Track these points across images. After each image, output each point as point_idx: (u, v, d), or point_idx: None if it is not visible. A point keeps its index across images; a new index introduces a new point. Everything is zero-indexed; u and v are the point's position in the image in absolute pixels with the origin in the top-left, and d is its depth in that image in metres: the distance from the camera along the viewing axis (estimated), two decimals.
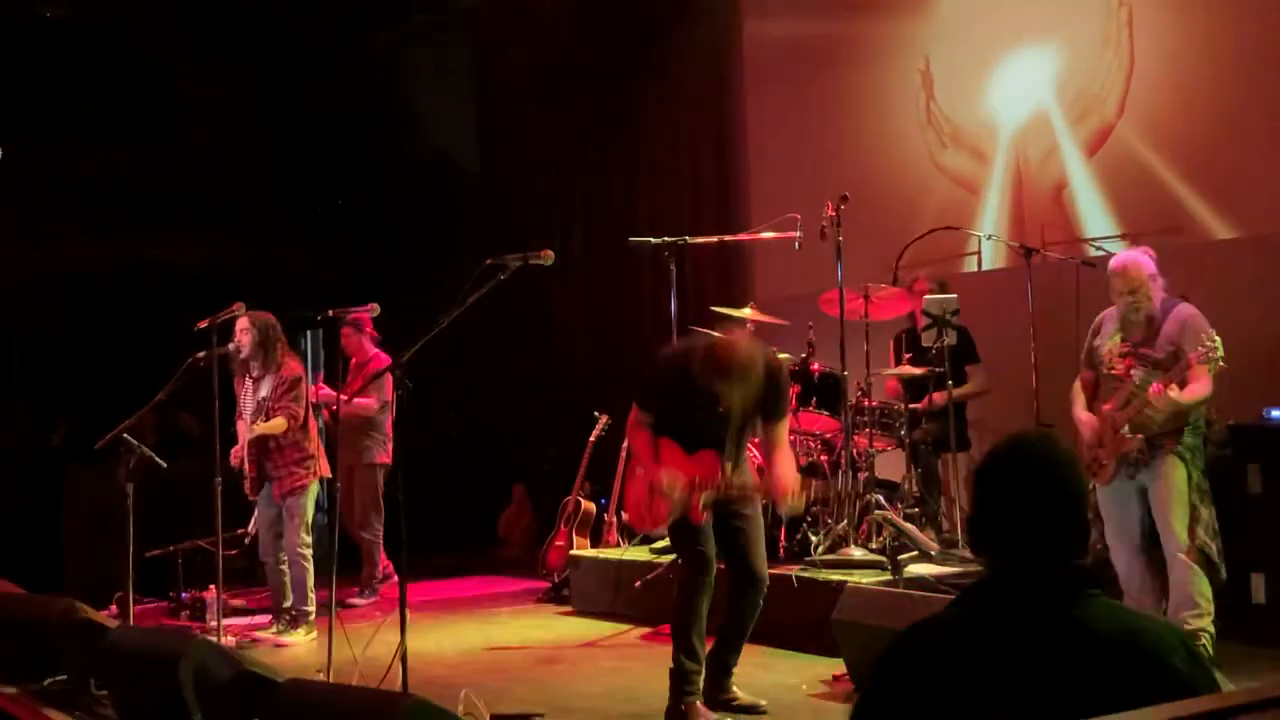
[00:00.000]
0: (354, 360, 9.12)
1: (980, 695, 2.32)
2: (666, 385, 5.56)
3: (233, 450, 7.63)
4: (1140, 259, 5.98)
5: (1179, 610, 5.83)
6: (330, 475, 7.88)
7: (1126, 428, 5.86)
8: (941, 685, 2.37)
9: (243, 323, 7.60)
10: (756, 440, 5.97)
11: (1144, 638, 2.33)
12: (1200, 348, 5.62)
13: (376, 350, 9.07)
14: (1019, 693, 2.30)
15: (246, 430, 7.63)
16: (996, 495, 2.48)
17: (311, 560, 7.75)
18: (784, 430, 5.63)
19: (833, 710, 5.54)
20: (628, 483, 5.79)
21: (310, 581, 7.75)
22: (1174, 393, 5.68)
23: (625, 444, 8.75)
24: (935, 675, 2.39)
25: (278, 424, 7.53)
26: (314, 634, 7.72)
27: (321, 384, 8.86)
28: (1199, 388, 5.70)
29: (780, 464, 5.52)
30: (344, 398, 7.93)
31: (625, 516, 5.76)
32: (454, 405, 11.61)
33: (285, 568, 7.74)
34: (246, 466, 7.62)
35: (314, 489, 7.77)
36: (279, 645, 7.56)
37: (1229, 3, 7.56)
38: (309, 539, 7.75)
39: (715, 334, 5.74)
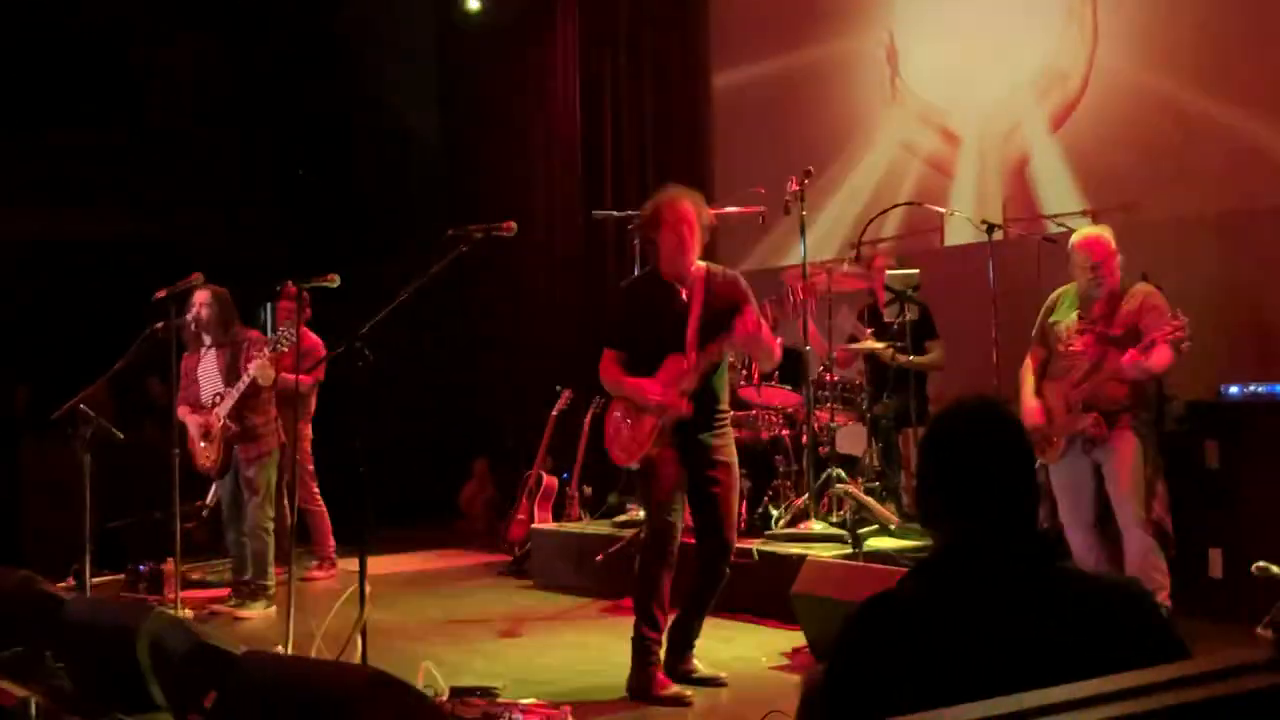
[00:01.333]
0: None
1: (964, 668, 2.25)
2: (626, 312, 5.64)
3: (189, 430, 7.54)
4: (1103, 235, 6.02)
5: None
6: (286, 441, 7.83)
7: (1080, 405, 5.90)
8: (917, 661, 2.28)
9: (202, 296, 7.53)
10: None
11: (1121, 593, 2.31)
12: (1168, 326, 5.64)
13: (305, 329, 8.82)
14: (1006, 662, 2.22)
15: (198, 418, 7.55)
16: (954, 462, 2.40)
17: (273, 534, 7.71)
18: (750, 313, 5.43)
19: (792, 683, 5.57)
20: (607, 428, 5.71)
21: (271, 556, 7.71)
22: (1145, 360, 5.71)
23: (588, 416, 8.76)
24: (908, 651, 2.30)
25: (264, 367, 7.37)
26: (273, 607, 7.69)
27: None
28: (1162, 355, 5.73)
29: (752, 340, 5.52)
30: (302, 378, 7.80)
31: (612, 457, 5.68)
32: (414, 380, 11.56)
33: (246, 540, 7.70)
34: (208, 445, 7.54)
35: (275, 456, 7.72)
36: (236, 618, 7.53)
37: None
38: (272, 512, 7.70)
39: None
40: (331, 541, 9.11)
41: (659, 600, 5.44)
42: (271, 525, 7.71)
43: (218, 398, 7.56)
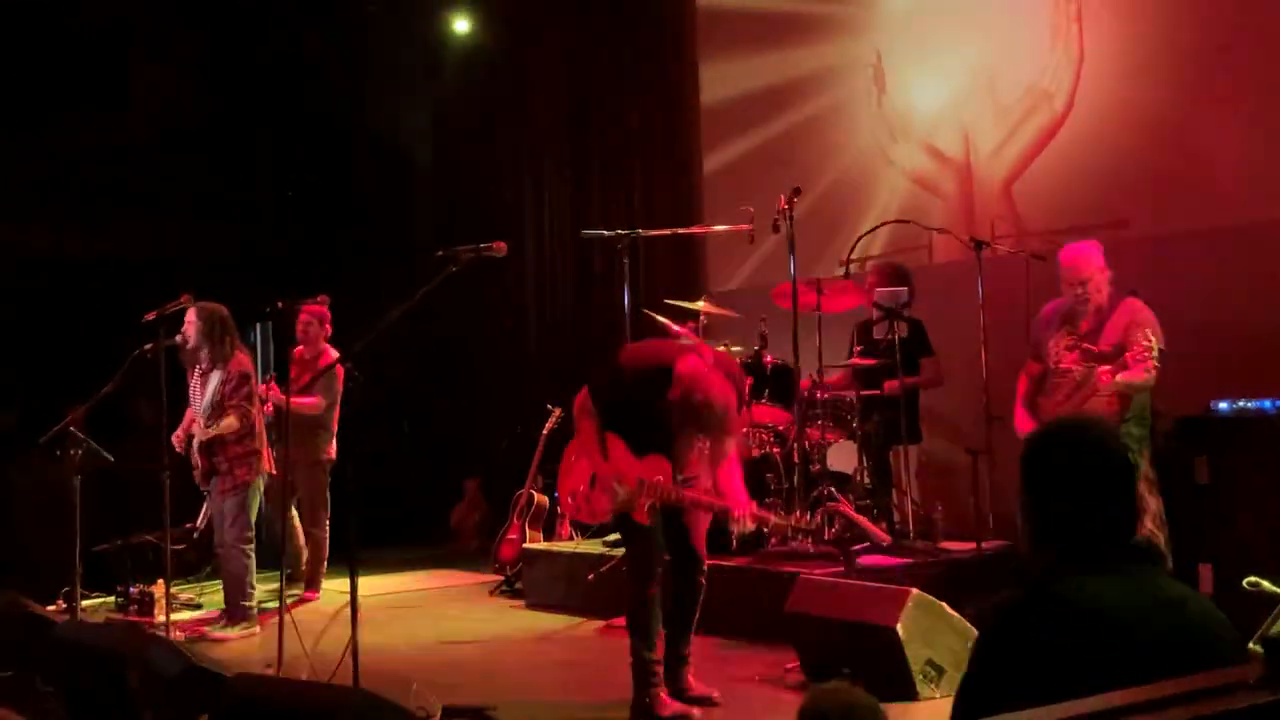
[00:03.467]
0: (303, 352, 8.83)
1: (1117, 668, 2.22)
2: (625, 394, 5.51)
3: (175, 434, 7.54)
4: (1091, 250, 6.04)
5: None
6: (274, 471, 7.81)
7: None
8: (1077, 663, 2.26)
9: (190, 314, 7.53)
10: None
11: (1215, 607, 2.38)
12: (1139, 345, 5.65)
13: (327, 345, 8.84)
14: (1137, 670, 2.14)
15: (197, 421, 7.55)
16: (1068, 483, 2.46)
17: (252, 556, 7.67)
18: (733, 445, 5.60)
19: (785, 701, 5.56)
20: (564, 468, 5.71)
21: (249, 578, 7.67)
22: (1121, 376, 5.72)
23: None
24: (1068, 655, 2.26)
25: (229, 423, 7.46)
26: (255, 628, 7.65)
27: (274, 385, 8.50)
28: (1135, 373, 5.75)
29: (730, 479, 5.50)
30: (295, 399, 7.82)
31: (559, 500, 5.66)
32: (406, 399, 11.55)
33: (229, 557, 7.67)
34: (196, 459, 7.55)
35: (258, 484, 7.70)
36: (214, 640, 7.48)
37: (1176, 1, 7.62)
38: (250, 535, 7.66)
39: (683, 351, 5.55)
40: (322, 568, 9.01)
41: (655, 621, 5.42)
42: (250, 547, 7.66)
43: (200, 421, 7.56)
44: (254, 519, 7.69)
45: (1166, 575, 2.42)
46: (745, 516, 5.37)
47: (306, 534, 8.95)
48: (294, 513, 8.64)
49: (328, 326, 8.74)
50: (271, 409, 8.30)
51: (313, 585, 8.97)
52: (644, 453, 5.43)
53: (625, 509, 5.41)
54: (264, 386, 8.20)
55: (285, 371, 8.75)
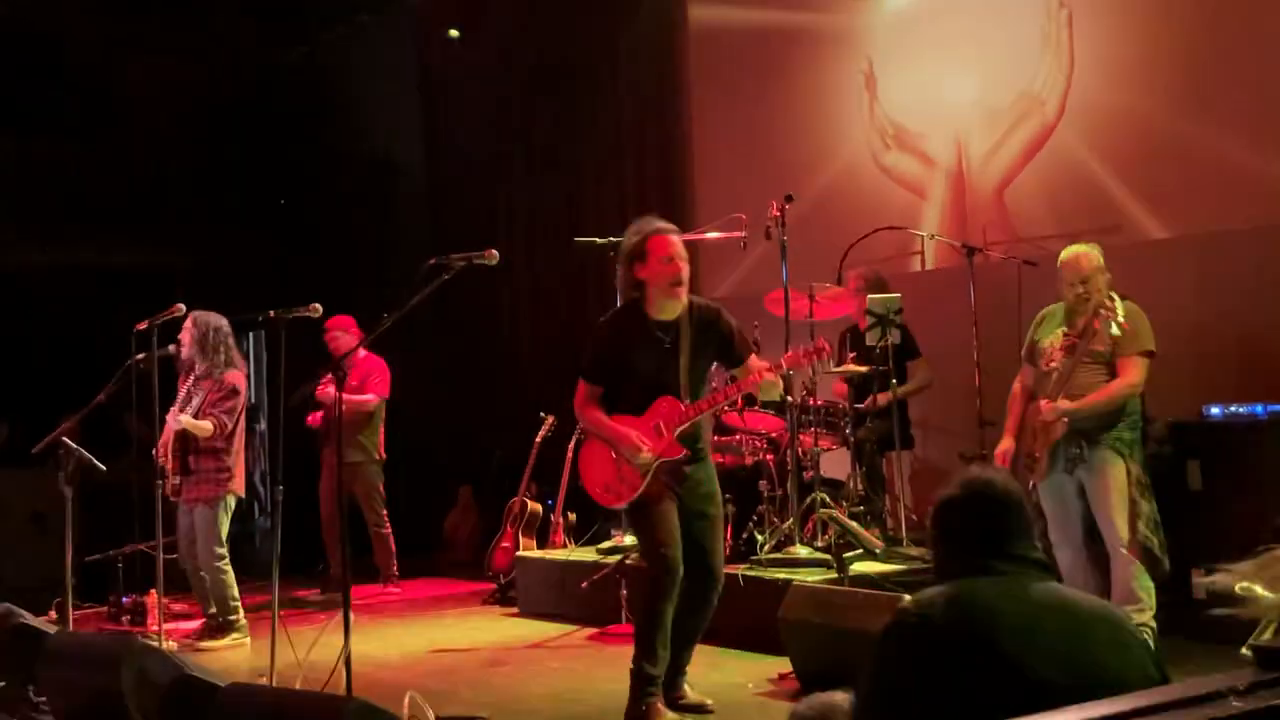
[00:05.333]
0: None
1: (979, 676, 2.48)
2: (609, 350, 5.56)
3: (159, 443, 7.55)
4: (1089, 252, 6.05)
5: (1121, 605, 5.87)
6: (242, 495, 7.86)
7: (1041, 415, 5.93)
8: (940, 670, 2.54)
9: (188, 322, 7.54)
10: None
11: (1111, 609, 2.67)
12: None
13: (367, 351, 9.21)
14: (1012, 667, 2.44)
15: (172, 422, 7.55)
16: (959, 532, 2.81)
17: (229, 569, 7.68)
18: (751, 359, 5.62)
19: (778, 708, 5.55)
20: (585, 465, 5.70)
21: (230, 591, 7.68)
22: (1064, 404, 5.79)
23: (573, 443, 8.75)
24: (932, 661, 2.57)
25: (204, 426, 7.45)
26: (246, 638, 7.65)
27: (327, 384, 8.98)
28: (1121, 381, 5.78)
29: (759, 367, 5.55)
30: (350, 397, 8.63)
31: (595, 497, 5.66)
32: (398, 408, 11.54)
33: (205, 575, 7.67)
34: (169, 463, 7.52)
35: (228, 502, 7.68)
36: (205, 650, 7.47)
37: (1167, 6, 7.64)
38: (222, 550, 7.67)
39: None
40: (394, 561, 9.62)
41: (664, 637, 5.40)
42: (225, 563, 7.67)
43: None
44: (225, 535, 7.69)
45: (1052, 582, 2.73)
46: (772, 373, 5.44)
47: (371, 533, 9.49)
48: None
49: (357, 332, 9.14)
50: (319, 417, 9.22)
51: (390, 579, 9.54)
52: (648, 403, 5.46)
53: (653, 463, 5.39)
54: (320, 386, 9.02)
55: (275, 378, 8.83)
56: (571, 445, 8.86)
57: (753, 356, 5.67)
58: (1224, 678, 1.68)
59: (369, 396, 9.32)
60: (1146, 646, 2.61)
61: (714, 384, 6.22)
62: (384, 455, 9.57)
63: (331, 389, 8.57)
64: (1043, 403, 5.93)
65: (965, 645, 2.52)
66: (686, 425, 5.42)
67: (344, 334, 9.19)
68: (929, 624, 2.59)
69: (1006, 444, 6.19)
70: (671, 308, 5.51)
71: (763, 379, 5.48)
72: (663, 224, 5.66)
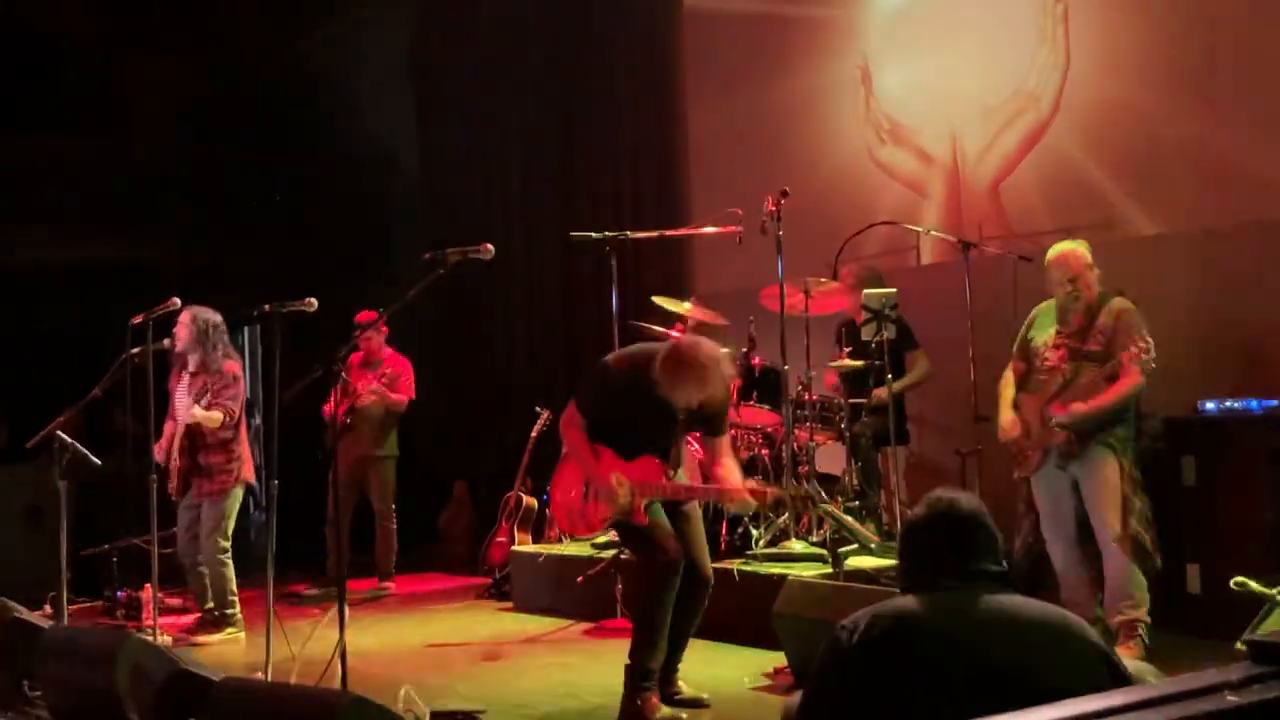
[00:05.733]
0: (370, 359, 9.43)
1: (923, 686, 2.56)
2: (612, 397, 5.52)
3: (157, 445, 7.54)
4: (1078, 249, 6.07)
5: (1115, 601, 5.90)
6: (252, 482, 7.84)
7: (1054, 420, 5.94)
8: (882, 677, 2.64)
9: (183, 316, 7.53)
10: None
11: (1060, 617, 2.73)
12: (1134, 348, 5.69)
13: (391, 350, 9.44)
14: (958, 679, 2.54)
15: (175, 429, 7.55)
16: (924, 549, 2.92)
17: (229, 563, 7.69)
18: (725, 442, 5.68)
19: (774, 703, 5.56)
20: (556, 484, 5.76)
21: (230, 585, 7.69)
22: (1080, 406, 5.80)
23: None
24: (879, 669, 2.68)
25: (214, 416, 7.47)
26: (240, 633, 7.66)
27: (357, 378, 9.18)
28: (1127, 382, 5.79)
29: (728, 473, 5.55)
30: (388, 394, 9.06)
31: (553, 519, 5.71)
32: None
33: (204, 569, 7.67)
34: (175, 460, 7.53)
35: (237, 493, 7.69)
36: (199, 644, 7.47)
37: (1162, 3, 7.64)
38: (226, 544, 7.68)
39: (666, 341, 5.67)
40: (394, 558, 9.64)
41: (661, 631, 5.41)
42: (227, 556, 7.68)
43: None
44: (231, 528, 7.70)
45: (1007, 594, 2.79)
46: (742, 495, 5.42)
47: (379, 527, 9.52)
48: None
49: (383, 328, 9.26)
50: (343, 413, 9.14)
51: (389, 575, 9.53)
52: (634, 456, 5.45)
53: (623, 513, 5.41)
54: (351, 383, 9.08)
55: (271, 374, 8.82)
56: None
57: (730, 464, 5.64)
58: (1218, 672, 1.69)
59: (401, 396, 9.36)
60: (1103, 654, 2.68)
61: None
62: (396, 452, 9.64)
63: (365, 381, 9.14)
64: (1054, 407, 5.92)
65: (882, 656, 2.67)
66: (656, 496, 5.42)
67: (375, 332, 9.18)
68: (851, 638, 2.74)
69: (1011, 416, 6.18)
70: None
71: (737, 499, 5.49)
72: (699, 340, 5.55)
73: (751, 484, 5.55)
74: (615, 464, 5.46)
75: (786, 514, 7.20)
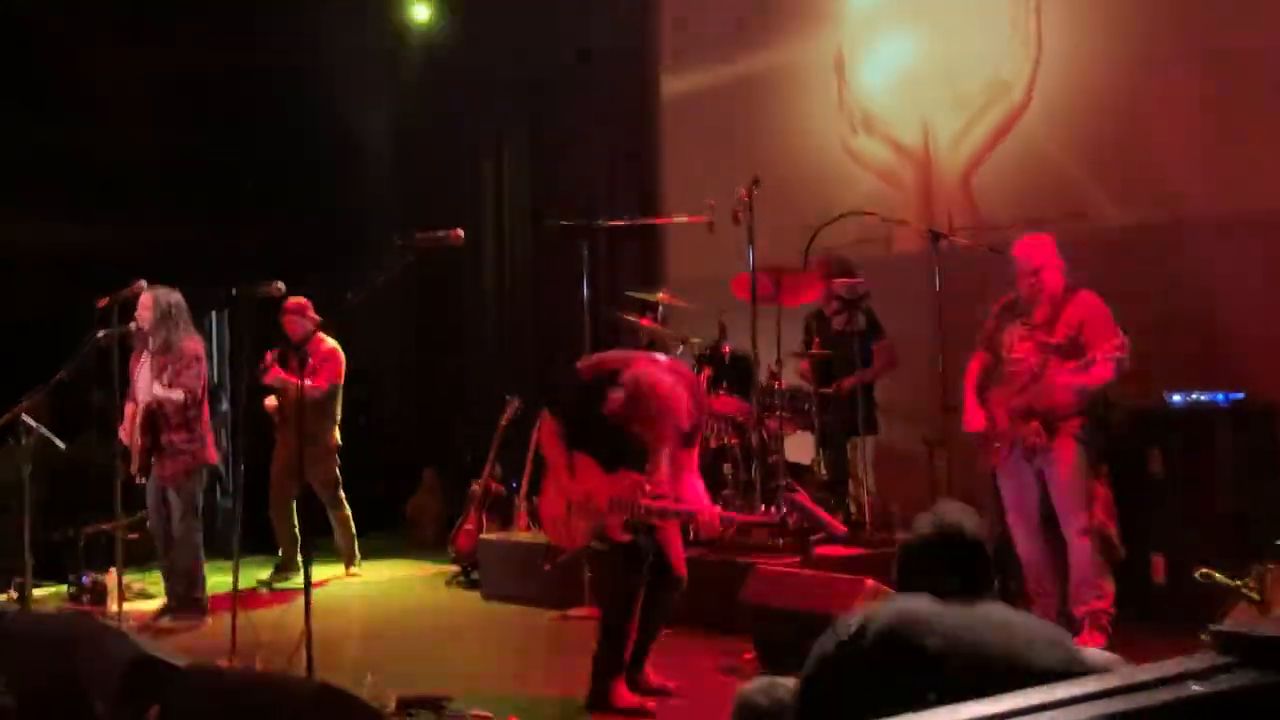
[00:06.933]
0: (305, 348, 9.00)
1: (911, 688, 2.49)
2: (584, 411, 5.51)
3: (121, 427, 7.49)
4: (1043, 241, 6.09)
5: (1079, 591, 5.93)
6: (215, 463, 7.81)
7: (1022, 412, 5.96)
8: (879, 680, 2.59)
9: (145, 299, 7.48)
10: None
11: (1052, 630, 2.71)
12: (1109, 344, 5.69)
13: (320, 334, 9.05)
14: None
15: (136, 410, 7.50)
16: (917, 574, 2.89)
17: (200, 545, 7.65)
18: (694, 455, 5.67)
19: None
20: (543, 494, 5.75)
21: (199, 570, 7.65)
22: (1082, 378, 5.77)
23: (536, 429, 8.73)
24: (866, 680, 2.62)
25: (175, 394, 7.42)
26: (206, 619, 7.62)
27: (275, 367, 8.81)
28: (1102, 372, 5.79)
29: (691, 488, 5.55)
30: (308, 383, 8.32)
31: (542, 529, 5.70)
32: (363, 388, 11.51)
33: (175, 551, 7.63)
34: (136, 441, 7.48)
35: (201, 475, 7.65)
36: (158, 629, 7.42)
37: None
38: (198, 524, 7.64)
39: (637, 359, 5.61)
40: (354, 544, 9.51)
41: (632, 621, 5.41)
42: (199, 537, 7.64)
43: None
44: (199, 507, 7.66)
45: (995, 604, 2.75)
46: (712, 521, 5.40)
47: (331, 516, 9.35)
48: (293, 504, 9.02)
49: (312, 315, 8.86)
50: (274, 401, 8.97)
51: (353, 560, 9.44)
52: (614, 467, 5.44)
53: (601, 531, 5.40)
54: (268, 362, 8.75)
55: (239, 357, 8.82)
56: (535, 430, 8.85)
57: (697, 484, 5.63)
58: (1183, 662, 1.69)
59: (319, 383, 8.94)
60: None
61: None
62: (339, 442, 9.27)
63: (278, 373, 8.75)
64: (1062, 377, 5.87)
65: (882, 653, 2.63)
66: (632, 516, 5.40)
67: (301, 317, 8.84)
68: (849, 635, 2.68)
69: (977, 408, 6.20)
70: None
71: (706, 526, 5.48)
72: (658, 369, 5.47)
73: (718, 512, 5.51)
74: (596, 477, 5.46)
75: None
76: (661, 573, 5.51)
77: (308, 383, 8.64)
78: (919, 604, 2.71)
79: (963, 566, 2.85)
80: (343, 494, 9.41)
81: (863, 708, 2.54)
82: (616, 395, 5.30)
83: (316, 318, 8.79)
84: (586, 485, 5.47)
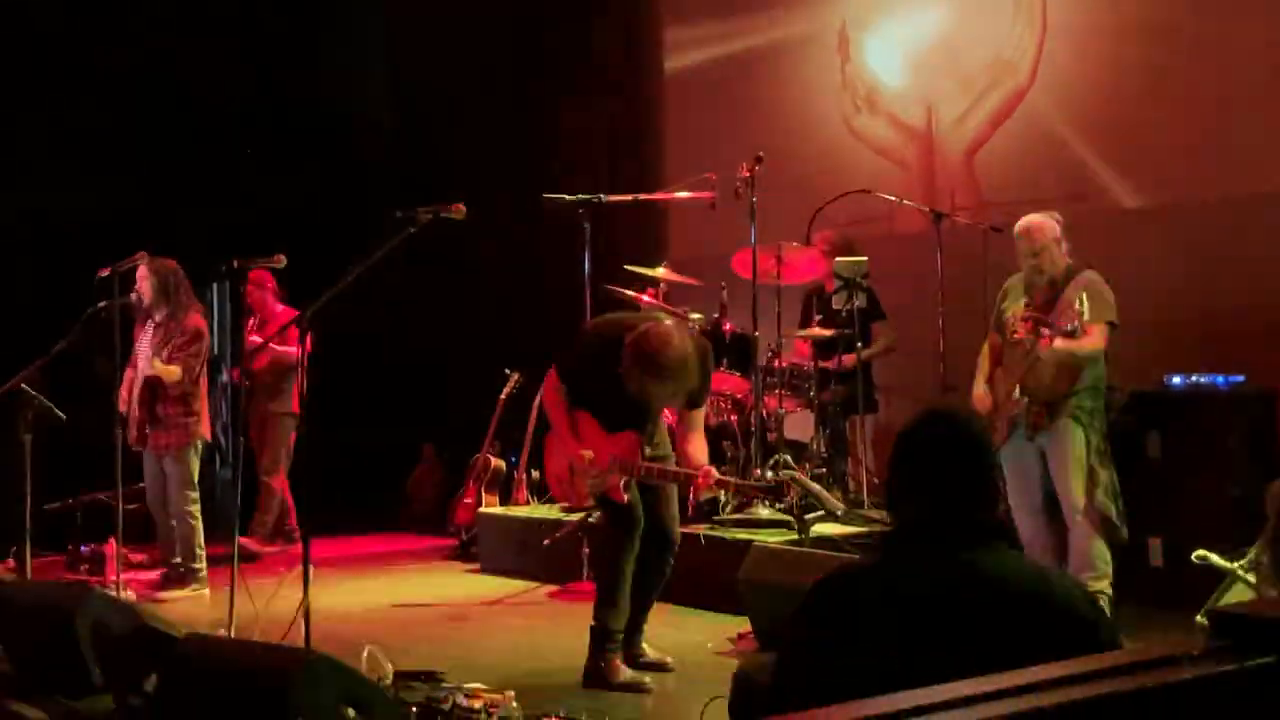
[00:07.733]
0: (259, 317, 9.15)
1: (893, 642, 2.41)
2: (590, 367, 5.46)
3: (120, 393, 7.49)
4: (1045, 222, 6.06)
5: (1078, 572, 5.93)
6: (210, 439, 7.84)
7: (1017, 390, 5.95)
8: (857, 632, 2.47)
9: (142, 270, 7.46)
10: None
11: (1052, 585, 2.48)
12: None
13: (283, 306, 9.02)
14: (930, 638, 2.39)
15: (136, 377, 7.51)
16: (915, 456, 2.68)
17: (199, 517, 7.66)
18: (701, 416, 5.63)
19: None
20: (548, 453, 5.75)
21: (198, 539, 7.66)
22: (1061, 343, 5.71)
23: (537, 400, 8.73)
24: (851, 623, 2.49)
25: (173, 371, 7.42)
26: (205, 589, 7.63)
27: (254, 331, 8.86)
28: (1090, 340, 5.75)
29: (696, 450, 5.52)
30: (275, 345, 8.35)
31: (549, 486, 5.72)
32: (362, 362, 11.50)
33: (173, 523, 7.64)
34: (134, 410, 7.48)
35: (197, 448, 7.66)
36: (156, 600, 7.44)
37: None
38: (194, 495, 7.65)
39: (646, 321, 5.49)
40: (289, 522, 9.19)
41: (623, 589, 5.42)
42: (196, 508, 7.65)
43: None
44: (195, 479, 7.67)
45: (1009, 554, 2.58)
46: (706, 483, 5.40)
47: (259, 483, 9.02)
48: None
49: (273, 287, 8.99)
50: (237, 372, 8.82)
51: (268, 539, 9.06)
52: (616, 428, 5.43)
53: (602, 490, 5.41)
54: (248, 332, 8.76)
55: (239, 329, 8.82)
56: (535, 402, 8.85)
57: (699, 443, 5.57)
58: (1178, 643, 1.69)
59: (292, 349, 8.69)
60: (1090, 627, 2.42)
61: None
62: (298, 410, 8.75)
63: (256, 339, 8.75)
64: (1044, 340, 5.84)
65: (826, 620, 2.53)
66: (632, 476, 5.39)
67: (258, 288, 8.95)
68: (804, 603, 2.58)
69: (982, 390, 6.20)
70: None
71: (704, 486, 5.51)
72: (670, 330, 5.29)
73: (713, 474, 5.45)
74: (597, 436, 5.45)
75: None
76: (655, 534, 5.52)
77: (279, 348, 8.68)
78: (865, 564, 2.76)
79: (952, 471, 2.60)
80: (284, 465, 9.09)
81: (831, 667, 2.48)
82: (626, 348, 5.23)
83: (275, 288, 8.88)
84: (588, 445, 5.47)
